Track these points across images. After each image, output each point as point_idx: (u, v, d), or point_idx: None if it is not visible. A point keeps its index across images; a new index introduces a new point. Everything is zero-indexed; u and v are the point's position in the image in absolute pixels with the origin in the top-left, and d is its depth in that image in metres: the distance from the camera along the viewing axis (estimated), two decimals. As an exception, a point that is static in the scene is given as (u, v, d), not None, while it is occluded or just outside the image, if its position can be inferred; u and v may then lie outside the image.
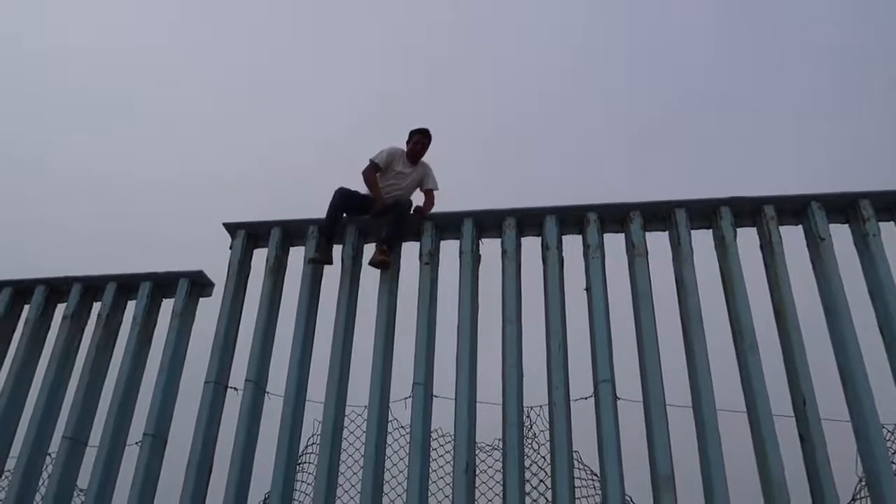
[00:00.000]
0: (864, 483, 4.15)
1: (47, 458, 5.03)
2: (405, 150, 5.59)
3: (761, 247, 4.85)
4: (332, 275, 5.18)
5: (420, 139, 5.58)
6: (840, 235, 4.81)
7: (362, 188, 5.41)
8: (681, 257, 4.81)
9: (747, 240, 4.90)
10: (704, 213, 4.99)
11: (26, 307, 5.54)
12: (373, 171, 5.40)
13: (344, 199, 5.26)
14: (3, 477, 5.01)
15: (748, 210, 4.94)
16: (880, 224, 4.75)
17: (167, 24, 19.93)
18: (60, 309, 5.50)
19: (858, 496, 4.43)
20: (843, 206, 4.87)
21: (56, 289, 5.55)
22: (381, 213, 5.23)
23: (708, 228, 5.00)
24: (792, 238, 4.85)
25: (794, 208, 4.91)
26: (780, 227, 4.84)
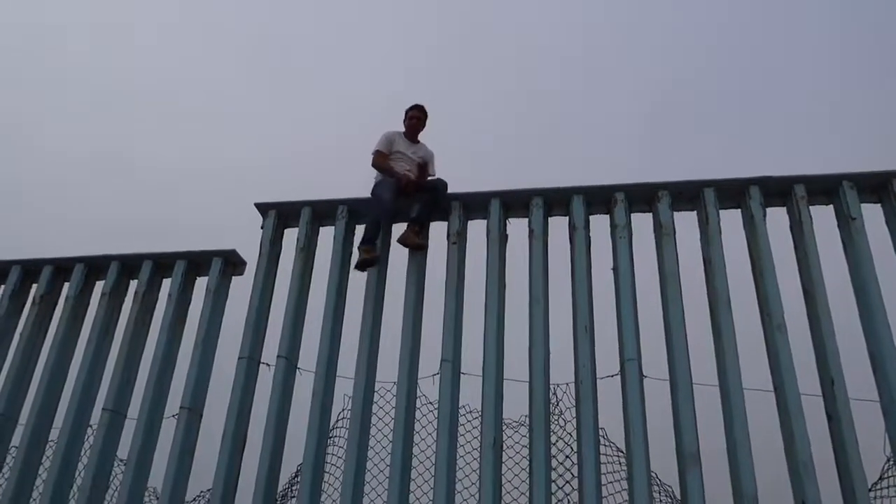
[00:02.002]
0: (891, 462, 4.15)
1: (89, 429, 5.22)
2: (402, 130, 5.60)
3: (791, 227, 4.83)
4: (361, 254, 5.26)
5: (415, 114, 5.61)
6: (871, 215, 4.77)
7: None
8: (709, 237, 4.80)
9: (776, 220, 4.88)
10: (733, 192, 4.96)
11: (66, 285, 5.72)
12: (382, 157, 5.42)
13: (388, 203, 5.16)
14: (48, 447, 5.20)
15: (778, 189, 4.91)
16: (914, 203, 4.69)
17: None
18: (99, 287, 5.66)
19: (886, 475, 4.43)
20: (875, 186, 4.81)
21: (95, 267, 5.71)
22: (414, 190, 5.24)
23: (737, 208, 4.97)
24: (822, 218, 4.82)
25: (824, 188, 4.87)
26: (810, 207, 4.80)
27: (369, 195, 5.33)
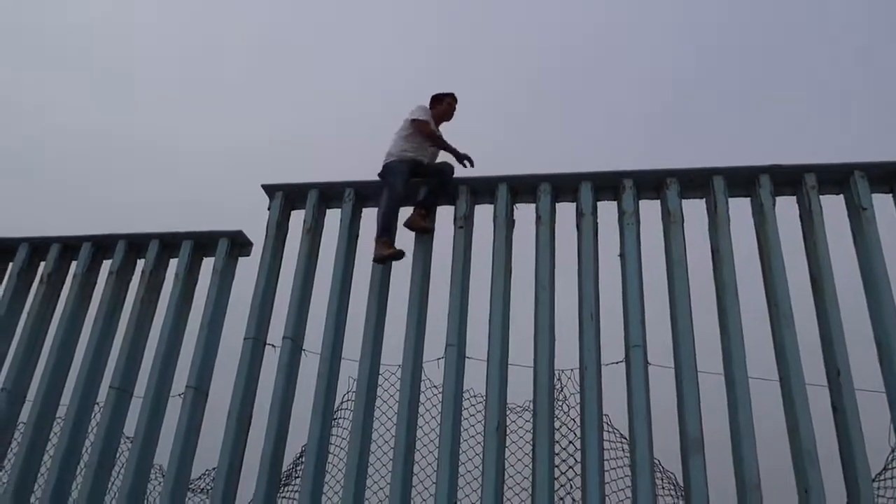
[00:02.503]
0: (896, 454, 4.14)
1: (96, 406, 5.26)
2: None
3: (800, 216, 4.79)
4: (367, 236, 5.26)
5: (453, 102, 5.54)
6: (882, 206, 4.73)
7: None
8: (717, 225, 4.78)
9: (786, 209, 4.84)
10: (743, 180, 4.92)
11: (74, 263, 5.74)
12: (435, 128, 5.36)
13: (402, 191, 5.12)
14: (55, 424, 5.24)
15: (788, 178, 4.87)
16: (925, 194, 4.65)
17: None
18: (106, 266, 5.68)
19: (890, 466, 4.43)
20: (886, 176, 4.76)
21: (102, 246, 5.73)
22: (431, 174, 5.22)
23: (746, 196, 4.93)
24: (831, 208, 4.78)
25: (835, 177, 4.82)
26: (820, 197, 4.76)
27: (378, 177, 5.31)
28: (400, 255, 4.96)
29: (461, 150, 5.28)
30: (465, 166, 5.25)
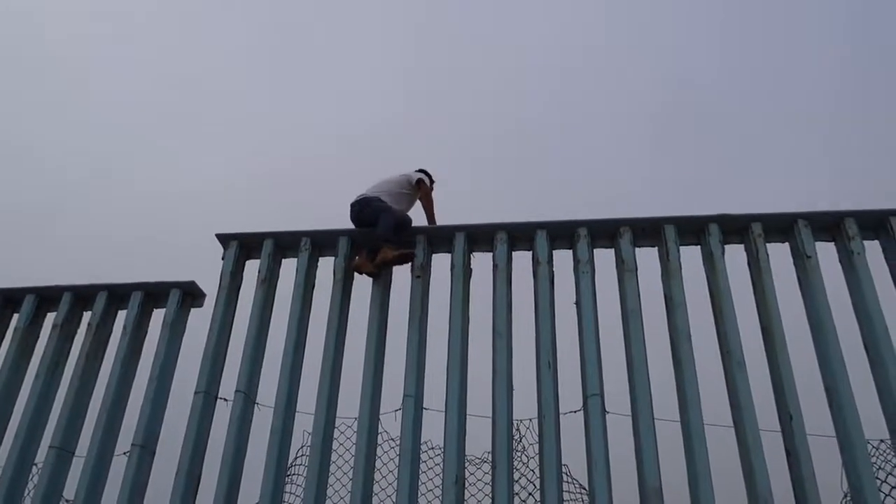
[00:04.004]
0: (848, 498, 4.19)
1: (34, 467, 4.99)
2: None
3: (749, 264, 4.92)
4: (323, 287, 5.20)
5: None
6: (826, 254, 4.89)
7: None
8: (670, 273, 4.87)
9: (736, 257, 4.97)
10: (693, 229, 5.05)
11: (15, 316, 5.52)
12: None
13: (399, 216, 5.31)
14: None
15: (736, 227, 5.02)
16: (865, 242, 4.83)
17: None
18: (50, 318, 5.47)
19: (843, 511, 4.48)
20: (828, 225, 4.94)
21: (46, 297, 5.52)
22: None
23: (697, 244, 5.06)
24: (781, 255, 4.92)
25: (780, 226, 4.99)
26: (767, 245, 4.91)
27: (351, 208, 5.41)
28: (410, 256, 5.07)
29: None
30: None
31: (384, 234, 5.10)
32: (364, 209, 5.32)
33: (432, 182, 5.94)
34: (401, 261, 5.07)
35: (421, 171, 5.92)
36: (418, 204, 5.74)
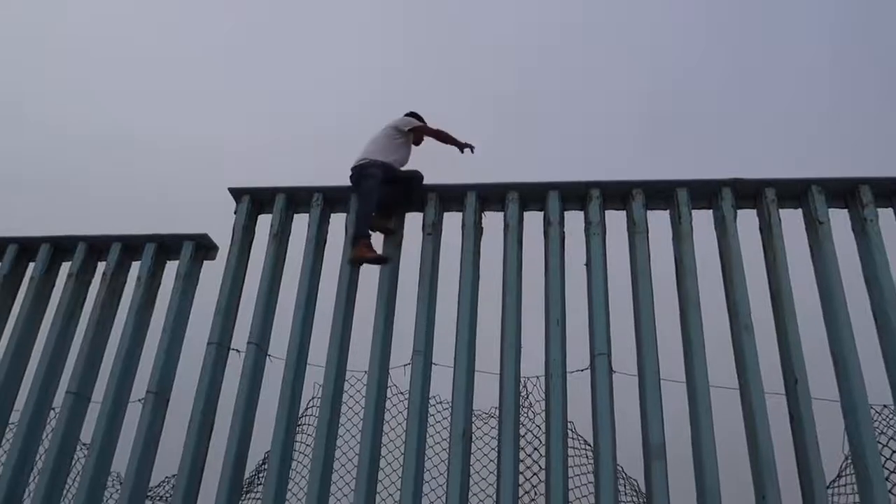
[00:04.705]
0: (849, 461, 4.26)
1: (51, 412, 5.11)
2: None
3: (760, 229, 4.91)
4: (335, 242, 5.24)
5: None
6: (838, 222, 4.88)
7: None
8: (681, 236, 4.87)
9: (748, 222, 4.97)
10: (706, 193, 5.03)
11: (31, 265, 5.58)
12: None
13: (379, 197, 5.12)
14: (8, 430, 5.08)
15: (749, 192, 5.00)
16: (879, 210, 4.80)
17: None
18: (65, 268, 5.53)
19: (844, 473, 4.56)
20: (842, 191, 4.92)
21: (61, 247, 5.59)
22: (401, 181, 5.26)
23: (709, 209, 5.05)
24: (793, 222, 4.91)
25: (794, 191, 4.96)
26: (779, 210, 4.90)
27: (349, 180, 5.29)
28: (383, 260, 4.96)
29: (461, 140, 5.46)
30: (472, 152, 5.45)
31: (358, 231, 4.99)
32: (360, 181, 5.18)
33: (422, 120, 5.65)
34: (369, 262, 4.98)
35: (409, 114, 5.62)
36: (416, 151, 5.60)
